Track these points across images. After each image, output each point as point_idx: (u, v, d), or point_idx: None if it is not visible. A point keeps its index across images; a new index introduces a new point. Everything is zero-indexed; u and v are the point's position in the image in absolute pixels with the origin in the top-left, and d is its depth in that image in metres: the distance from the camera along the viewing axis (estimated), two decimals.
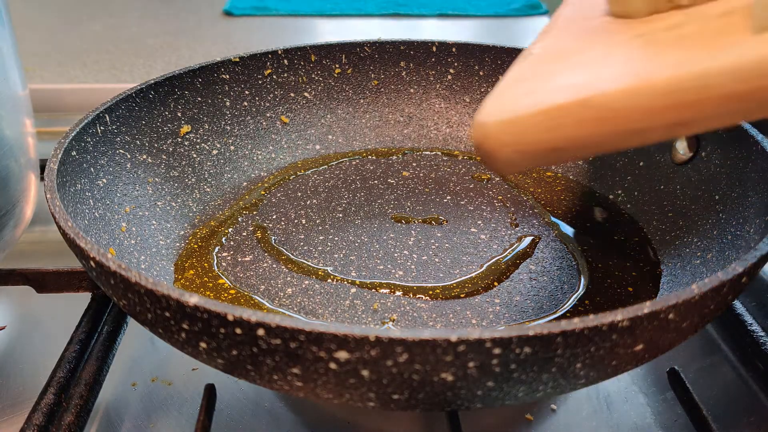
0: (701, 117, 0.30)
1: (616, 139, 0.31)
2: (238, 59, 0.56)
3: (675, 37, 0.32)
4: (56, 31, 1.09)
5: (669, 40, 0.33)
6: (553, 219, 0.51)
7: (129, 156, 0.48)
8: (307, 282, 0.44)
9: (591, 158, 0.55)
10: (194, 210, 0.50)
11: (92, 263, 0.30)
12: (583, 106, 0.31)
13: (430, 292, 0.42)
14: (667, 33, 0.33)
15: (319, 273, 0.45)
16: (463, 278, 0.44)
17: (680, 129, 0.30)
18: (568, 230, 0.49)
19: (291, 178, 0.56)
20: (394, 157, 0.60)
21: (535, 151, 0.33)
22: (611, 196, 0.53)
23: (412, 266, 0.45)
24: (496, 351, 0.25)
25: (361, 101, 0.61)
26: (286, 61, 0.58)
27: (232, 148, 0.56)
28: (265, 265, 0.45)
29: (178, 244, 0.47)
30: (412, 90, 0.61)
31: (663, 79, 0.30)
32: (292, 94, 0.59)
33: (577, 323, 0.25)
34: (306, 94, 0.59)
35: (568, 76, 0.33)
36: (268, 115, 0.58)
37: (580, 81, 0.32)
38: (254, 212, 0.52)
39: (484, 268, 0.45)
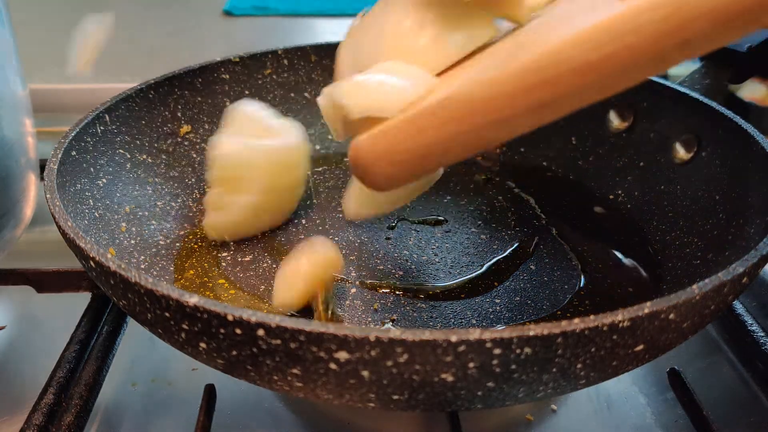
0: (559, 94, 0.30)
1: (483, 134, 0.32)
2: (238, 59, 0.56)
3: (510, 40, 0.34)
4: (56, 31, 1.09)
5: (506, 43, 0.34)
6: (553, 219, 0.51)
7: (129, 156, 0.48)
8: None
9: (591, 158, 0.55)
10: (194, 210, 0.50)
11: (92, 263, 0.30)
12: (442, 106, 0.32)
13: (431, 293, 0.42)
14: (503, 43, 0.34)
15: None
16: (463, 278, 0.44)
17: (544, 112, 0.31)
18: (568, 230, 0.49)
19: None
20: None
21: (407, 160, 0.34)
22: (611, 196, 0.53)
23: (412, 266, 0.45)
24: (497, 351, 0.25)
25: None
26: (286, 61, 0.58)
27: None
28: (265, 265, 0.45)
29: (178, 244, 0.47)
30: None
31: (519, 63, 0.30)
32: (292, 94, 0.59)
33: (577, 323, 0.25)
34: (306, 94, 0.59)
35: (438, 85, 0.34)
36: None
37: (444, 86, 0.33)
38: None
39: (484, 268, 0.45)
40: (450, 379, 0.26)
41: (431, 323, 0.40)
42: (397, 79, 0.34)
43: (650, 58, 0.29)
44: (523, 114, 0.31)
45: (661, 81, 0.50)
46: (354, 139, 0.36)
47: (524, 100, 0.31)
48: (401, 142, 0.34)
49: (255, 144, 0.45)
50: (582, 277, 0.44)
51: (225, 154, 0.45)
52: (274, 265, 0.45)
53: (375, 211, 0.47)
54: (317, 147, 0.59)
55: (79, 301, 0.45)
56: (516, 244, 0.47)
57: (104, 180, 0.45)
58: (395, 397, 0.27)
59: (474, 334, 0.24)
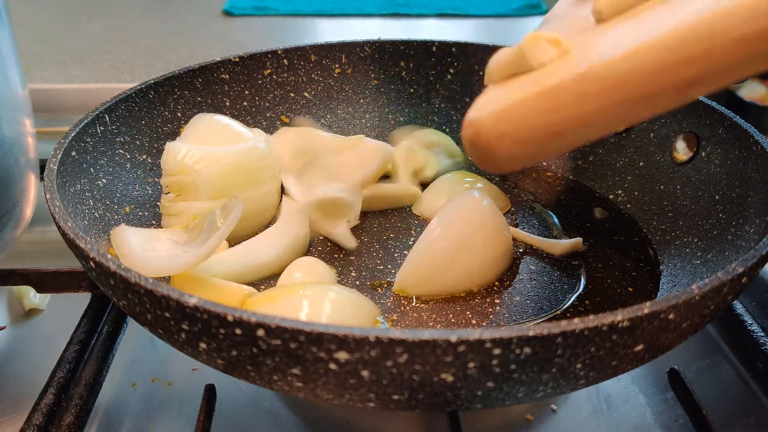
0: (711, 70, 0.27)
1: (621, 112, 0.29)
2: (238, 59, 0.56)
3: (662, 6, 0.30)
4: (56, 31, 1.09)
5: (657, 8, 0.30)
6: (553, 219, 0.51)
7: (129, 156, 0.48)
8: None
9: (591, 158, 0.55)
10: None
11: (92, 263, 0.30)
12: (584, 79, 0.29)
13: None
14: (653, 6, 0.31)
15: None
16: None
17: (690, 89, 0.28)
18: (568, 230, 0.49)
19: None
20: None
21: (535, 139, 0.30)
22: (611, 196, 0.53)
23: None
24: (496, 351, 0.25)
25: (361, 101, 0.61)
26: (286, 61, 0.58)
27: None
28: None
29: None
30: (412, 90, 0.61)
31: (668, 32, 0.27)
32: (292, 94, 0.59)
33: (577, 323, 0.25)
34: (306, 94, 0.59)
35: (562, 60, 0.30)
36: (268, 115, 0.58)
37: (575, 59, 0.30)
38: None
39: None
40: (450, 379, 0.26)
41: (431, 323, 0.40)
42: None
43: None
44: (667, 90, 0.28)
45: None
46: (471, 117, 0.32)
47: (672, 75, 0.28)
48: (530, 119, 0.30)
49: (204, 150, 0.45)
50: (582, 277, 0.44)
51: (172, 159, 0.45)
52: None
53: (426, 293, 0.42)
54: None
55: (79, 301, 0.45)
56: (516, 244, 0.47)
57: (104, 180, 0.45)
58: (395, 397, 0.27)
59: (474, 334, 0.24)
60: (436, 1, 1.26)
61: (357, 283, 0.44)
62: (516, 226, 0.50)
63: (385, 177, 0.54)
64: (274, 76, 0.58)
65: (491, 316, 0.40)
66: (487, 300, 0.42)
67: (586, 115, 0.29)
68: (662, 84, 0.28)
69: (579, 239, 0.46)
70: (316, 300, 0.36)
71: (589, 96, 0.29)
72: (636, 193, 0.51)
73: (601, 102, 0.29)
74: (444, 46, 0.60)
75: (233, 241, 0.46)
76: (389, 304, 0.42)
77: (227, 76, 0.55)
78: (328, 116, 0.60)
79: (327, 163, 0.51)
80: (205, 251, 0.37)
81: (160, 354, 0.44)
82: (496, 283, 0.43)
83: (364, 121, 0.61)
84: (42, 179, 0.39)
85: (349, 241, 0.47)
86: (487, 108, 0.31)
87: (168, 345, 0.31)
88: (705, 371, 0.43)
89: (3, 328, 0.46)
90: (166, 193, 0.46)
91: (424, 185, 0.54)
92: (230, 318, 0.25)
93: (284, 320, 0.25)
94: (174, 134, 0.51)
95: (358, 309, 0.37)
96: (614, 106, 0.29)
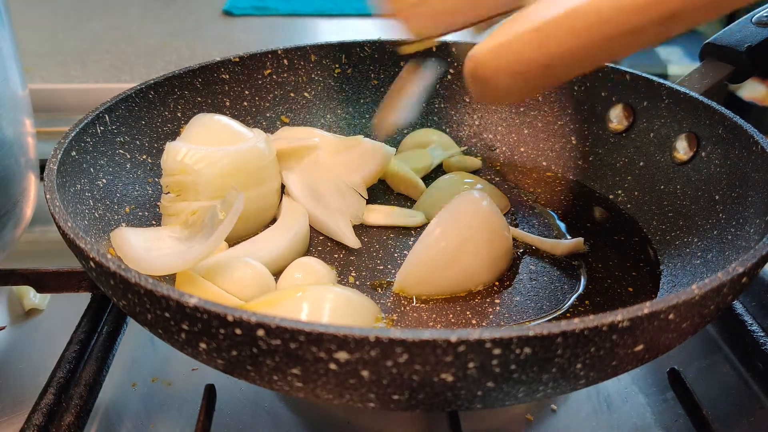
0: (690, 4, 0.30)
1: (609, 46, 0.33)
2: (238, 59, 0.56)
3: None
4: (56, 31, 1.09)
5: None
6: (553, 219, 0.51)
7: (129, 156, 0.48)
8: None
9: (591, 158, 0.55)
10: None
11: (92, 264, 0.30)
12: (574, 16, 0.33)
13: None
14: None
15: None
16: None
17: (673, 23, 0.31)
18: (568, 230, 0.49)
19: None
20: None
21: (529, 71, 0.34)
22: (611, 196, 0.53)
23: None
24: (496, 351, 0.24)
25: (361, 101, 0.61)
26: (286, 61, 0.58)
27: None
28: None
29: None
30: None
31: None
32: (292, 94, 0.59)
33: (577, 323, 0.25)
34: (306, 94, 0.59)
35: (554, 2, 0.34)
36: (268, 115, 0.58)
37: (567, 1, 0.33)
38: None
39: None
40: (450, 379, 0.26)
41: (431, 323, 0.40)
42: None
43: None
44: (653, 25, 0.31)
45: (661, 81, 0.50)
46: (473, 52, 0.36)
47: (656, 9, 0.31)
48: (525, 53, 0.34)
49: (204, 150, 0.45)
50: (582, 277, 0.44)
51: (172, 159, 0.45)
52: None
53: (426, 293, 0.42)
54: None
55: (79, 301, 0.45)
56: (516, 244, 0.47)
57: (104, 180, 0.44)
58: (395, 397, 0.27)
59: (474, 334, 0.24)
60: None
61: (357, 283, 0.44)
62: (516, 226, 0.50)
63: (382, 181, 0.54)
64: (274, 76, 0.58)
65: (491, 316, 0.40)
66: (487, 300, 0.42)
67: (575, 50, 0.33)
68: (643, 21, 0.31)
69: (580, 239, 0.46)
70: (316, 300, 0.36)
71: (576, 32, 0.33)
72: (636, 193, 0.51)
73: (588, 36, 0.33)
74: (444, 46, 0.60)
75: (233, 241, 0.46)
76: (389, 304, 0.42)
77: (227, 76, 0.55)
78: (328, 116, 0.60)
79: (326, 163, 0.51)
80: (211, 245, 0.37)
81: (160, 354, 0.44)
82: (496, 283, 0.43)
83: (364, 121, 0.61)
84: (42, 179, 0.39)
85: (352, 241, 0.47)
86: (486, 44, 0.35)
87: (168, 345, 0.31)
88: (705, 371, 0.43)
89: (3, 328, 0.46)
90: (166, 193, 0.46)
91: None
92: (230, 318, 0.25)
93: (284, 320, 0.25)
94: (174, 134, 0.51)
95: (358, 309, 0.37)
96: (600, 42, 0.33)
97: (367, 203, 0.51)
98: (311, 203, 0.49)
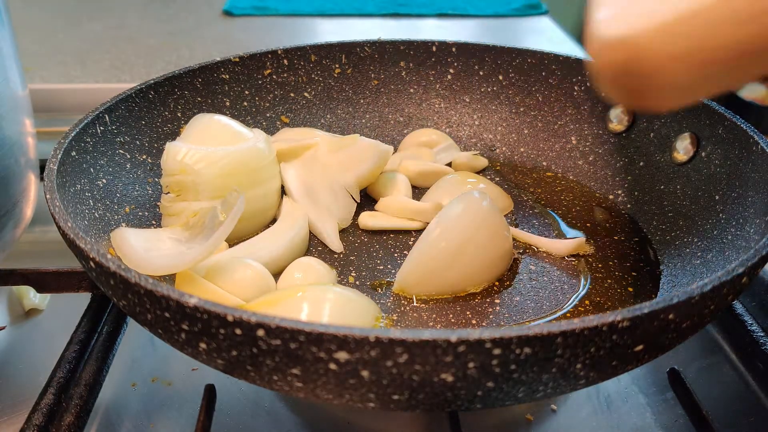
0: None
1: None
2: (238, 59, 0.56)
3: None
4: (56, 31, 1.09)
5: None
6: (553, 219, 0.51)
7: (129, 156, 0.48)
8: None
9: (591, 158, 0.55)
10: None
11: (92, 264, 0.30)
12: None
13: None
14: None
15: None
16: None
17: None
18: (568, 230, 0.49)
19: None
20: None
21: (722, 61, 0.24)
22: (611, 196, 0.53)
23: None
24: (496, 351, 0.24)
25: (361, 101, 0.61)
26: (286, 61, 0.58)
27: None
28: None
29: None
30: (412, 90, 0.61)
31: None
32: (292, 94, 0.59)
33: (577, 323, 0.25)
34: (306, 94, 0.59)
35: None
36: (268, 115, 0.58)
37: None
38: None
39: None
40: (450, 379, 0.26)
41: (431, 323, 0.40)
42: None
43: None
44: None
45: None
46: (615, 35, 0.25)
47: None
48: (718, 35, 0.23)
49: (204, 150, 0.45)
50: (582, 277, 0.44)
51: (172, 159, 0.45)
52: None
53: (426, 293, 0.42)
54: None
55: (79, 301, 0.45)
56: (516, 245, 0.47)
57: (104, 180, 0.45)
58: (395, 397, 0.27)
59: (474, 334, 0.24)
60: (436, 1, 1.26)
61: (357, 283, 0.44)
62: (516, 226, 0.50)
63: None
64: (274, 76, 0.58)
65: (491, 316, 0.40)
66: (487, 300, 0.42)
67: None
68: None
69: (582, 239, 0.46)
70: (316, 300, 0.36)
71: None
72: (636, 193, 0.51)
73: None
74: (444, 46, 0.60)
75: (233, 241, 0.46)
76: (389, 304, 0.42)
77: (227, 76, 0.55)
78: (328, 116, 0.60)
79: (324, 161, 0.51)
80: (211, 246, 0.37)
81: (160, 354, 0.44)
82: (496, 283, 0.43)
83: (364, 121, 0.61)
84: (42, 179, 0.39)
85: (335, 244, 0.47)
86: (641, 23, 0.24)
87: (168, 345, 0.31)
88: (705, 371, 0.43)
89: (3, 328, 0.46)
90: (166, 193, 0.46)
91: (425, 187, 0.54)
92: (230, 318, 0.25)
93: (284, 320, 0.25)
94: (174, 134, 0.51)
95: (358, 309, 0.37)
96: None
97: (365, 208, 0.51)
98: (305, 201, 0.49)
